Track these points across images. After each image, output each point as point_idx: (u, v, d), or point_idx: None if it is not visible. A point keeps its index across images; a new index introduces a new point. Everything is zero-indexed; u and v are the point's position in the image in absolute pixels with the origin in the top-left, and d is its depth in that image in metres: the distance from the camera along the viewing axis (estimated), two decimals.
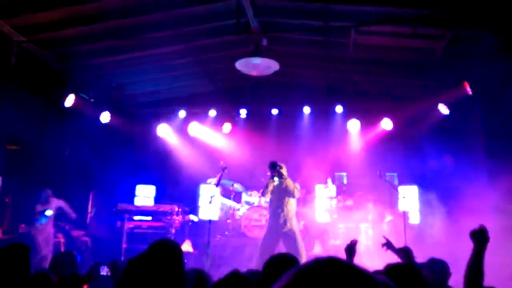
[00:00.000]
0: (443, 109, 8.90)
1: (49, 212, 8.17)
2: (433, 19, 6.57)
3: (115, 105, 9.63)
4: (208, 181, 9.23)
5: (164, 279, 2.75)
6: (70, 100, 8.28)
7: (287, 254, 3.14)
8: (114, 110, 9.54)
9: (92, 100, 8.95)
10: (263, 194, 7.77)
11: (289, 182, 7.51)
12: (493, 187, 7.71)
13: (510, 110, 7.22)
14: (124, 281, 2.92)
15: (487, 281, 2.98)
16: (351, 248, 4.05)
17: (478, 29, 6.75)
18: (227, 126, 10.69)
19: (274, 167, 7.39)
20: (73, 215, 8.61)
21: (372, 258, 6.52)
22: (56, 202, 8.33)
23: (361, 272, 0.99)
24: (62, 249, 8.15)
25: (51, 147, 8.65)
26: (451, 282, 4.16)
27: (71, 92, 8.30)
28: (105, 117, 9.36)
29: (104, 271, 3.59)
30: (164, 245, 2.94)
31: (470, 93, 7.88)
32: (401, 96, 9.26)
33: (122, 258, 8.29)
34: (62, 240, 8.37)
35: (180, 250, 2.89)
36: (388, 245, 4.41)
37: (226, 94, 10.30)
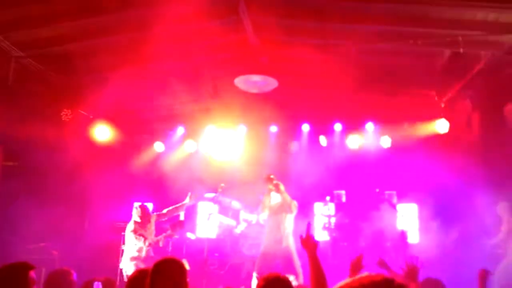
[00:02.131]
0: (442, 126, 8.91)
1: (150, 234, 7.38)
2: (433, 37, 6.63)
3: (113, 122, 9.62)
4: (206, 195, 9.17)
5: None
6: (68, 116, 8.26)
7: (279, 274, 3.09)
8: (113, 126, 9.53)
9: (91, 116, 8.94)
10: (260, 211, 7.73)
11: (286, 198, 7.47)
12: (492, 206, 7.69)
13: (509, 126, 7.24)
14: None
15: None
16: (358, 263, 4.00)
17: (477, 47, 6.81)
18: (226, 143, 10.66)
19: (270, 181, 7.37)
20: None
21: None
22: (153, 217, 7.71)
23: None
24: (57, 265, 8.03)
25: (49, 163, 8.59)
26: None
27: (70, 108, 8.28)
28: (103, 133, 9.35)
29: (97, 287, 3.54)
30: (169, 264, 2.94)
31: (470, 110, 7.90)
32: (401, 113, 9.25)
33: (118, 277, 8.18)
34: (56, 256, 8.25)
35: (184, 268, 2.89)
36: (382, 263, 4.41)
37: (225, 111, 10.28)
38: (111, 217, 9.57)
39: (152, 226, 7.60)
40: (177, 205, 7.97)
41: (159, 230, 7.81)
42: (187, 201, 7.98)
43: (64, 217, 8.41)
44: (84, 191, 9.49)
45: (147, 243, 7.17)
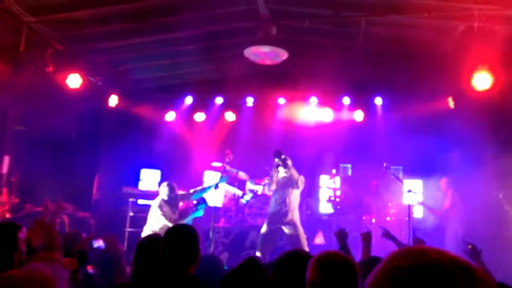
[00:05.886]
0: (451, 103, 8.86)
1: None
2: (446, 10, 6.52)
3: (122, 89, 9.64)
4: (213, 164, 9.24)
5: (181, 259, 2.79)
6: (77, 82, 8.26)
7: (299, 251, 3.10)
8: (121, 94, 9.56)
9: (99, 83, 8.95)
10: (268, 185, 7.74)
11: (293, 173, 7.50)
12: (498, 184, 7.70)
13: None
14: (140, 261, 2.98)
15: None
16: (368, 236, 4.11)
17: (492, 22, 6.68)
18: (232, 114, 10.70)
19: (278, 155, 7.38)
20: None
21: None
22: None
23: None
24: (67, 229, 8.19)
25: (58, 128, 8.67)
26: None
27: (79, 74, 8.30)
28: (112, 100, 9.38)
29: (98, 243, 3.60)
30: (181, 229, 3.03)
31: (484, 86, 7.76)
32: (410, 88, 9.18)
33: (126, 242, 8.35)
34: (66, 221, 8.40)
35: (197, 235, 2.93)
36: (386, 234, 4.49)
37: (233, 82, 10.26)
38: (119, 184, 9.70)
39: (177, 206, 7.47)
40: (204, 187, 7.86)
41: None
42: (221, 180, 7.86)
43: (74, 184, 8.55)
44: (93, 159, 9.60)
45: (171, 224, 6.87)
